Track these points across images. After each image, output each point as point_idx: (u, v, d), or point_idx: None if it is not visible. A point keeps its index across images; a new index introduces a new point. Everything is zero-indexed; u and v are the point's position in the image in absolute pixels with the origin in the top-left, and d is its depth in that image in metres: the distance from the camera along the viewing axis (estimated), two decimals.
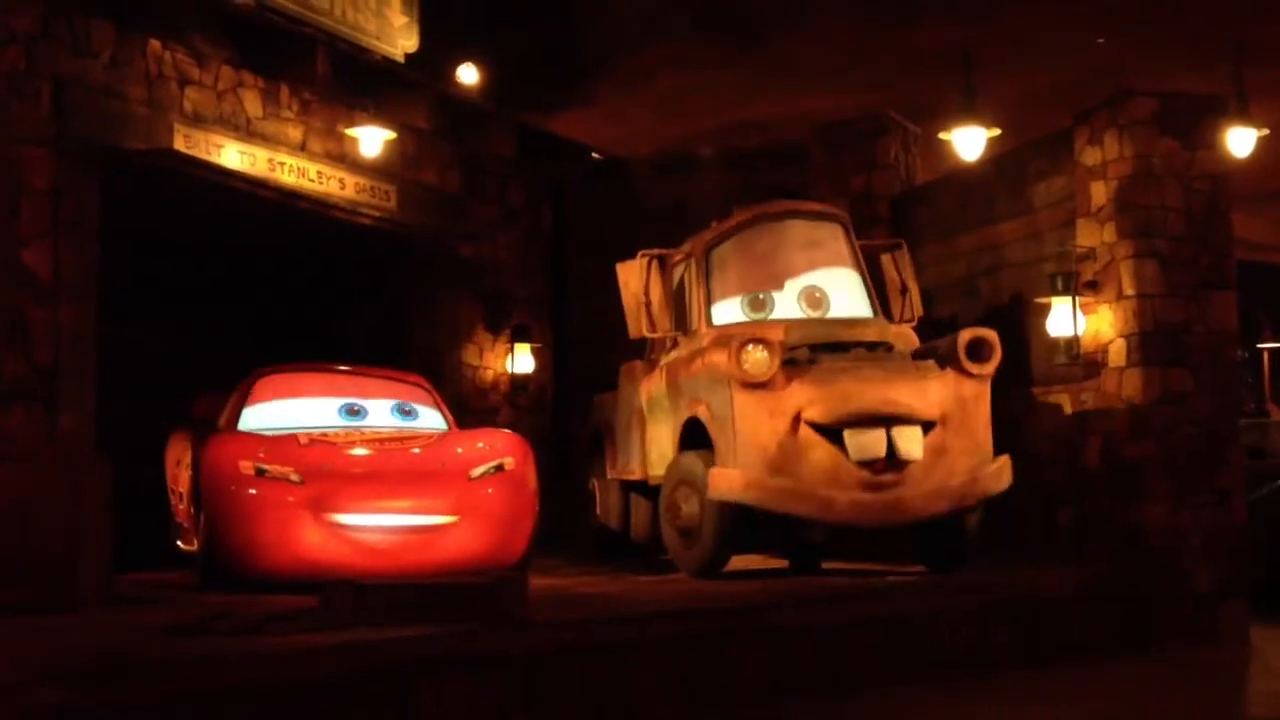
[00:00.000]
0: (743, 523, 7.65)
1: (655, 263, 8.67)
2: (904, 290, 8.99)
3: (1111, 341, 8.82)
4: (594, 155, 12.49)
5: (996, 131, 9.73)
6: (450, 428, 8.43)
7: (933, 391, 7.69)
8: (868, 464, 7.43)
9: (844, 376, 7.61)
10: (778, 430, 7.50)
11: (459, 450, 7.55)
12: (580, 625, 6.04)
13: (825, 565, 8.52)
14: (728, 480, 7.51)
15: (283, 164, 9.18)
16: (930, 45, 10.14)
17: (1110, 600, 8.29)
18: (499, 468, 7.42)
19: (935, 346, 8.04)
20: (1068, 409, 9.19)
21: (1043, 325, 9.04)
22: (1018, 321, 9.30)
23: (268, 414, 7.99)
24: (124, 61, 8.18)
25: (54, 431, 7.54)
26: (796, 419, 7.50)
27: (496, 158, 11.43)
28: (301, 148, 9.37)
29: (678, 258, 8.84)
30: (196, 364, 8.97)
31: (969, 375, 7.79)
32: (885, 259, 9.06)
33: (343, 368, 8.54)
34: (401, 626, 5.64)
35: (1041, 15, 9.97)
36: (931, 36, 10.12)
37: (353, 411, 8.12)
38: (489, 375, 11.28)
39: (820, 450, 7.47)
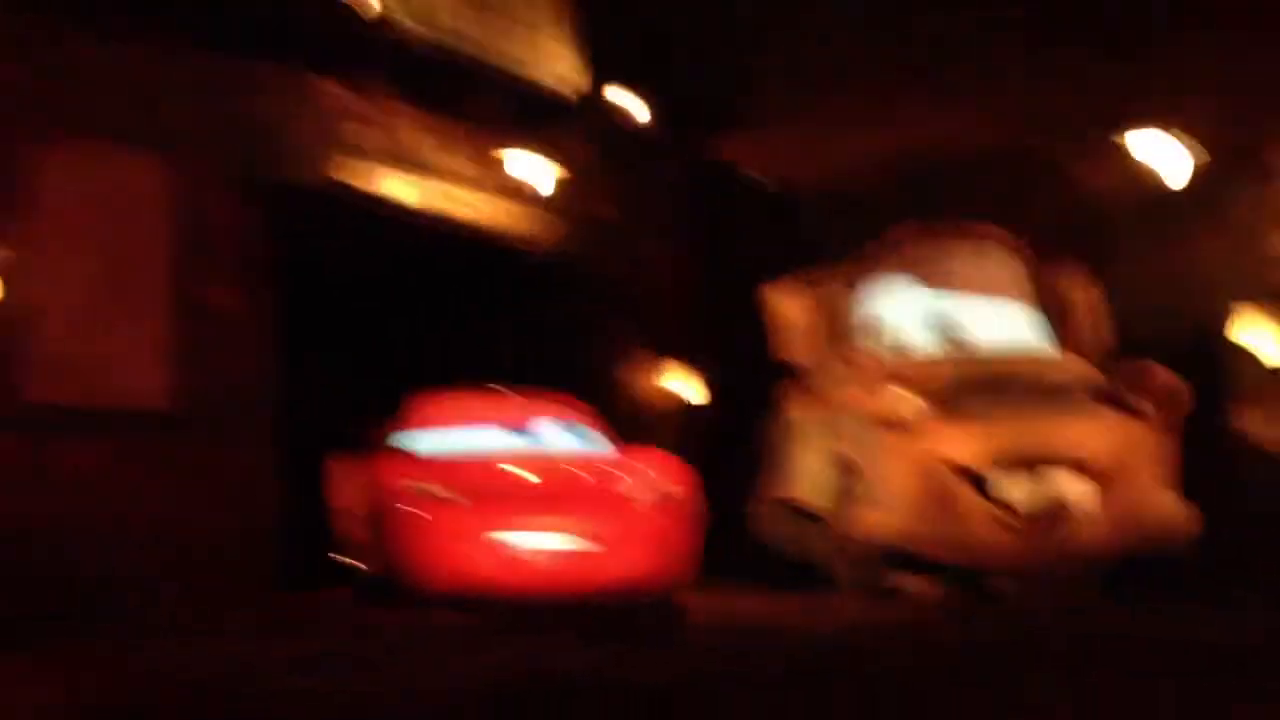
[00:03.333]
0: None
1: (805, 287, 8.67)
2: (1087, 319, 8.72)
3: None
4: (763, 185, 12.47)
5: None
6: (614, 450, 8.51)
7: (1102, 433, 7.50)
8: (1023, 511, 7.27)
9: (1000, 416, 7.44)
10: (928, 474, 7.39)
11: (626, 475, 7.63)
12: (739, 653, 6.05)
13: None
14: (874, 522, 7.47)
15: (451, 197, 9.44)
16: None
17: None
18: (666, 494, 7.48)
19: (1114, 385, 7.83)
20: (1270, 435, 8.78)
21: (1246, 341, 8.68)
22: (1218, 343, 8.92)
23: (429, 438, 8.20)
24: (295, 99, 8.50)
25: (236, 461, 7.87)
26: (950, 463, 7.37)
27: (663, 189, 11.53)
28: (469, 181, 9.61)
29: (830, 281, 8.80)
30: (376, 392, 9.17)
31: (1138, 414, 7.57)
32: (1064, 284, 8.81)
33: (501, 390, 8.72)
34: (553, 648, 5.73)
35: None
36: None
37: (515, 433, 8.28)
38: (651, 400, 11.38)
39: (975, 497, 7.32)
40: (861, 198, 11.78)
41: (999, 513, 7.24)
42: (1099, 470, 7.39)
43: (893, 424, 7.43)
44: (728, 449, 11.48)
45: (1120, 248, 10.32)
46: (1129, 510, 7.40)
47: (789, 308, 8.64)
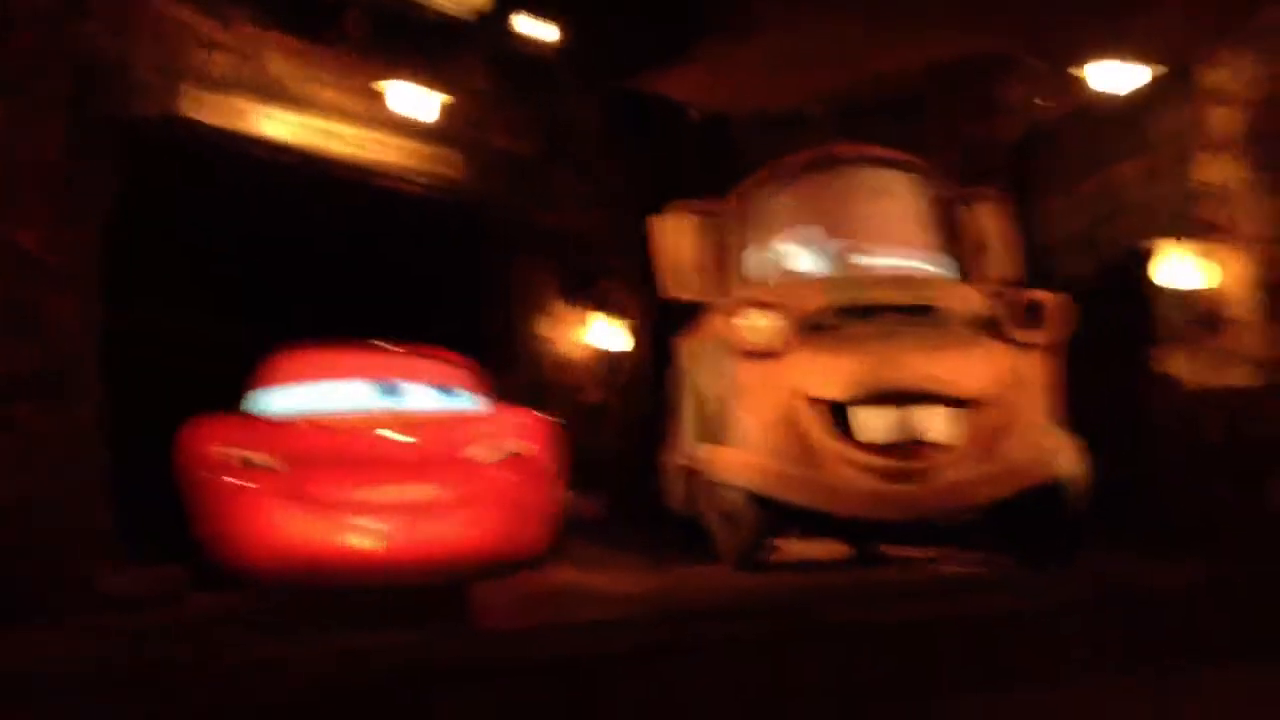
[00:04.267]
0: (783, 509, 6.76)
1: (692, 216, 7.87)
2: (995, 247, 7.95)
3: (1238, 295, 7.64)
4: (692, 115, 11.62)
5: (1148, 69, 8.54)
6: (487, 409, 7.77)
7: (977, 364, 6.64)
8: (886, 449, 6.46)
9: (868, 346, 6.61)
10: (783, 407, 6.59)
11: (470, 435, 6.86)
12: (545, 634, 5.31)
13: (895, 554, 7.61)
14: (728, 462, 6.69)
15: (324, 131, 8.68)
16: None
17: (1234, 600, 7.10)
18: (514, 454, 6.73)
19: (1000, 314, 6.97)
20: (1189, 377, 8.02)
21: (1164, 278, 7.92)
22: (1138, 276, 8.16)
23: (283, 397, 7.48)
24: (129, 23, 7.71)
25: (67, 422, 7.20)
26: (808, 395, 6.57)
27: (582, 121, 10.70)
28: (344, 113, 8.85)
29: (719, 210, 7.97)
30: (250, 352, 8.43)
31: (1023, 345, 6.75)
32: (975, 211, 8.02)
33: (374, 345, 7.96)
34: (348, 635, 5.06)
35: None
36: None
37: (384, 392, 7.54)
38: (576, 354, 10.62)
39: (834, 433, 6.51)
40: (797, 130, 11.05)
41: (854, 451, 6.42)
42: (973, 404, 6.56)
43: (750, 352, 6.66)
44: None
45: (1048, 177, 9.56)
46: (1007, 448, 6.58)
47: (674, 239, 7.83)
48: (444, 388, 7.76)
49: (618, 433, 10.63)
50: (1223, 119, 7.72)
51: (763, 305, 6.74)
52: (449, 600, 5.95)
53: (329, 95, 8.76)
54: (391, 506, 6.39)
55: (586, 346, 10.69)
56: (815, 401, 6.56)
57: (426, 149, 9.29)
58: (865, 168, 7.77)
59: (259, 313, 8.87)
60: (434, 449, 6.74)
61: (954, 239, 7.85)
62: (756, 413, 6.64)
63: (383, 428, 6.96)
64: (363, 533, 6.30)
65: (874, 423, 6.46)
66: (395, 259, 9.61)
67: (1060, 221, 9.52)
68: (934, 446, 6.46)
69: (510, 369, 10.09)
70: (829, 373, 6.56)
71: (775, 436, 6.58)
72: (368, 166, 9.03)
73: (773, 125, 11.23)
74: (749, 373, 6.65)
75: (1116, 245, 8.90)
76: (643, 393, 10.84)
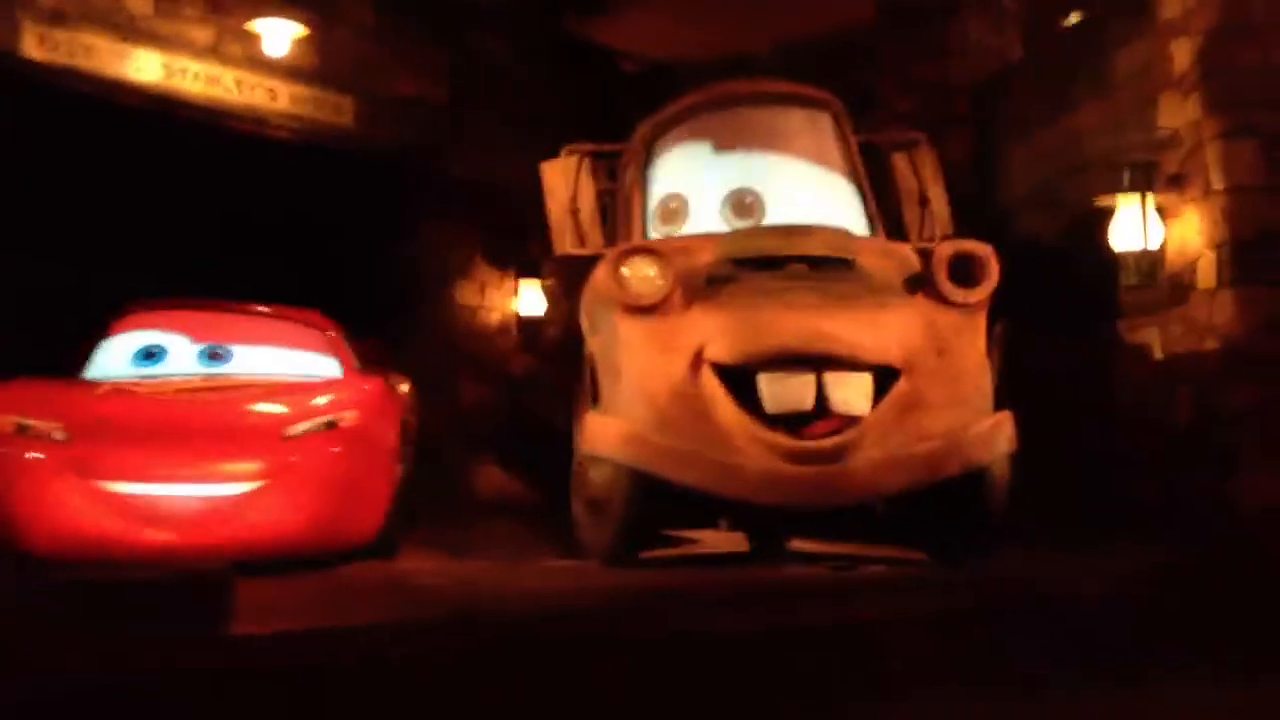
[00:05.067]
0: (660, 494, 5.83)
1: (586, 161, 6.96)
2: (922, 200, 7.01)
3: (1199, 255, 6.64)
4: (629, 66, 10.67)
5: None
6: (336, 376, 6.91)
7: (894, 325, 5.66)
8: (791, 421, 5.51)
9: (766, 302, 5.63)
10: (672, 371, 5.62)
11: (282, 403, 6.02)
12: (300, 640, 4.45)
13: (801, 549, 6.66)
14: (602, 432, 5.76)
15: (182, 71, 7.84)
16: None
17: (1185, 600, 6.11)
18: (330, 424, 5.87)
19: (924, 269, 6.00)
20: (1153, 348, 7.04)
21: (1124, 238, 6.93)
22: (1100, 236, 7.18)
23: (112, 359, 6.69)
24: None
25: None
26: (699, 357, 5.65)
27: (502, 64, 9.76)
28: (210, 51, 8.00)
29: (616, 154, 7.06)
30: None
31: (951, 304, 5.78)
32: (898, 159, 7.07)
33: (220, 305, 7.11)
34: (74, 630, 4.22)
35: None
36: None
37: (213, 356, 6.69)
38: (495, 318, 9.74)
39: (727, 401, 5.57)
40: (749, 74, 10.08)
41: (752, 423, 5.50)
42: (893, 372, 5.64)
43: (634, 307, 5.73)
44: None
45: (1006, 126, 8.60)
46: (930, 425, 5.61)
47: (567, 186, 6.93)
48: (289, 352, 6.90)
49: (548, 406, 9.72)
50: (1181, 51, 6.71)
51: (649, 254, 5.81)
52: (213, 596, 5.08)
53: (194, 33, 7.90)
54: (183, 483, 5.57)
55: (512, 312, 9.80)
56: (708, 365, 5.60)
57: (307, 92, 8.40)
58: (769, 106, 6.85)
59: (117, 271, 8.03)
60: (239, 419, 5.89)
61: (874, 187, 6.92)
62: (639, 377, 5.71)
63: (194, 394, 6.13)
64: (147, 513, 5.51)
65: (776, 391, 5.49)
66: (273, 214, 8.73)
67: (1020, 175, 8.56)
68: (847, 420, 5.49)
69: (421, 338, 9.26)
70: (725, 332, 5.60)
71: (660, 405, 5.63)
72: (238, 112, 8.16)
73: (718, 74, 10.26)
74: (632, 331, 5.73)
75: (1079, 201, 7.90)
76: (576, 363, 9.93)
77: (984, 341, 5.87)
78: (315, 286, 8.04)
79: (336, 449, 5.82)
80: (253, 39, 8.09)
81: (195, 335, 6.81)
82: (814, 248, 5.99)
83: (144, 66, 7.70)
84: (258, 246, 8.63)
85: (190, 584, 4.49)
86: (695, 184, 6.70)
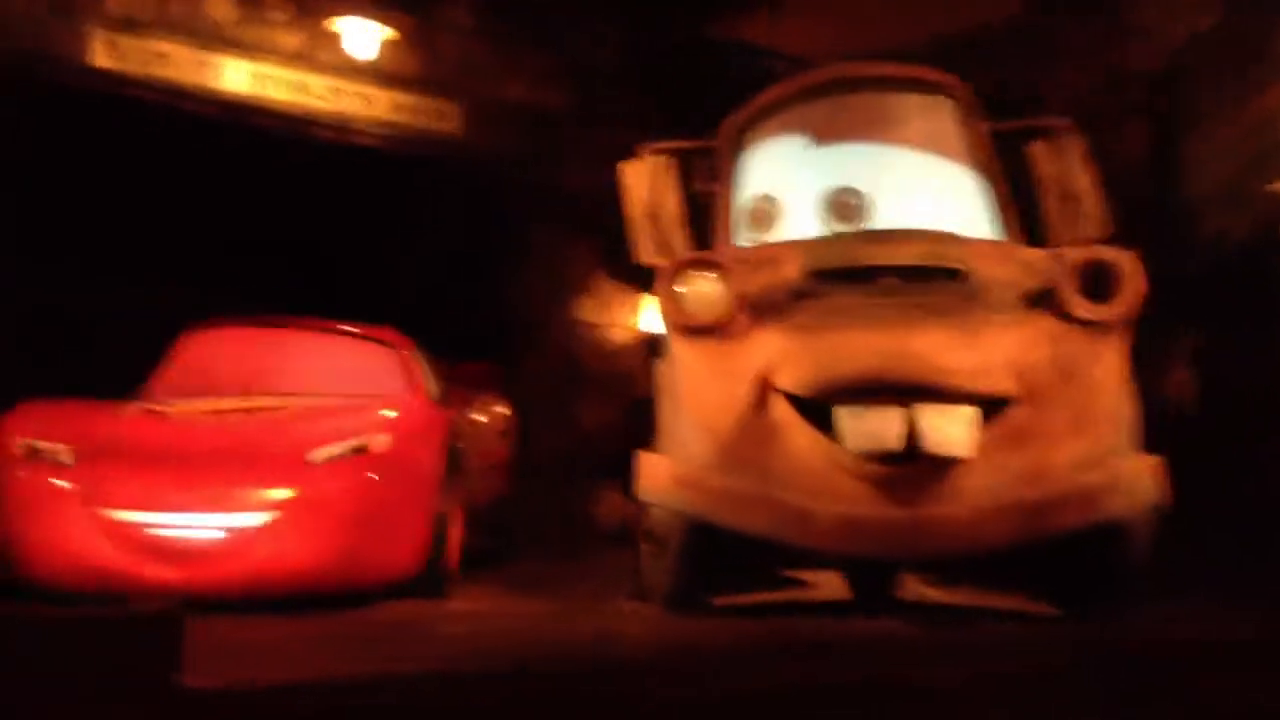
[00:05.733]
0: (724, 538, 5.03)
1: (671, 161, 6.22)
2: (1069, 196, 6.00)
3: None
4: (776, 67, 9.86)
5: None
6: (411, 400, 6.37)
7: (1006, 346, 4.70)
8: (879, 463, 4.64)
9: (844, 321, 4.76)
10: (735, 402, 4.79)
11: (308, 425, 5.47)
12: (245, 696, 3.85)
13: (914, 596, 5.77)
14: (652, 473, 4.99)
15: (270, 79, 7.45)
16: None
17: None
18: (359, 449, 5.29)
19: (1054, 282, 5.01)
20: None
21: None
22: None
23: (165, 381, 6.29)
24: None
25: None
26: (765, 386, 4.83)
27: (619, 68, 9.12)
28: (299, 57, 7.59)
29: (705, 152, 6.26)
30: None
31: (1081, 322, 4.83)
32: (1039, 150, 6.06)
33: (290, 323, 6.65)
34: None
35: None
36: None
37: (261, 378, 6.21)
38: (620, 335, 9.08)
39: (800, 434, 4.74)
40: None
41: (832, 465, 4.67)
42: (1007, 404, 4.71)
43: (692, 328, 4.98)
44: None
45: (1190, 114, 7.53)
46: (1053, 467, 4.68)
47: (649, 189, 6.20)
48: (354, 372, 6.39)
49: None
50: None
51: (709, 266, 5.06)
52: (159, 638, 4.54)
53: (282, 39, 7.52)
54: (191, 512, 5.07)
55: (638, 329, 9.14)
56: (781, 396, 4.79)
57: (409, 100, 7.92)
58: (878, 92, 5.97)
59: (198, 288, 7.69)
60: (258, 443, 5.36)
61: (1013, 184, 5.96)
62: (696, 408, 4.94)
63: (221, 416, 5.65)
64: (151, 544, 5.03)
65: (854, 427, 4.63)
66: (372, 230, 8.27)
67: (1205, 168, 7.51)
68: (948, 463, 4.62)
69: (538, 357, 8.69)
70: (794, 356, 4.78)
71: (721, 440, 4.85)
72: (332, 121, 7.73)
73: None
74: (690, 356, 4.98)
75: (1271, 196, 6.83)
76: None
77: (1124, 367, 4.89)
78: (418, 306, 7.56)
79: (365, 476, 5.23)
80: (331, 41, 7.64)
81: (259, 357, 6.36)
82: (911, 255, 5.09)
83: (228, 74, 7.33)
84: (356, 263, 8.19)
85: (138, 623, 3.95)
86: (790, 183, 5.88)
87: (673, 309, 4.95)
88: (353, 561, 5.14)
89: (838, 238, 5.35)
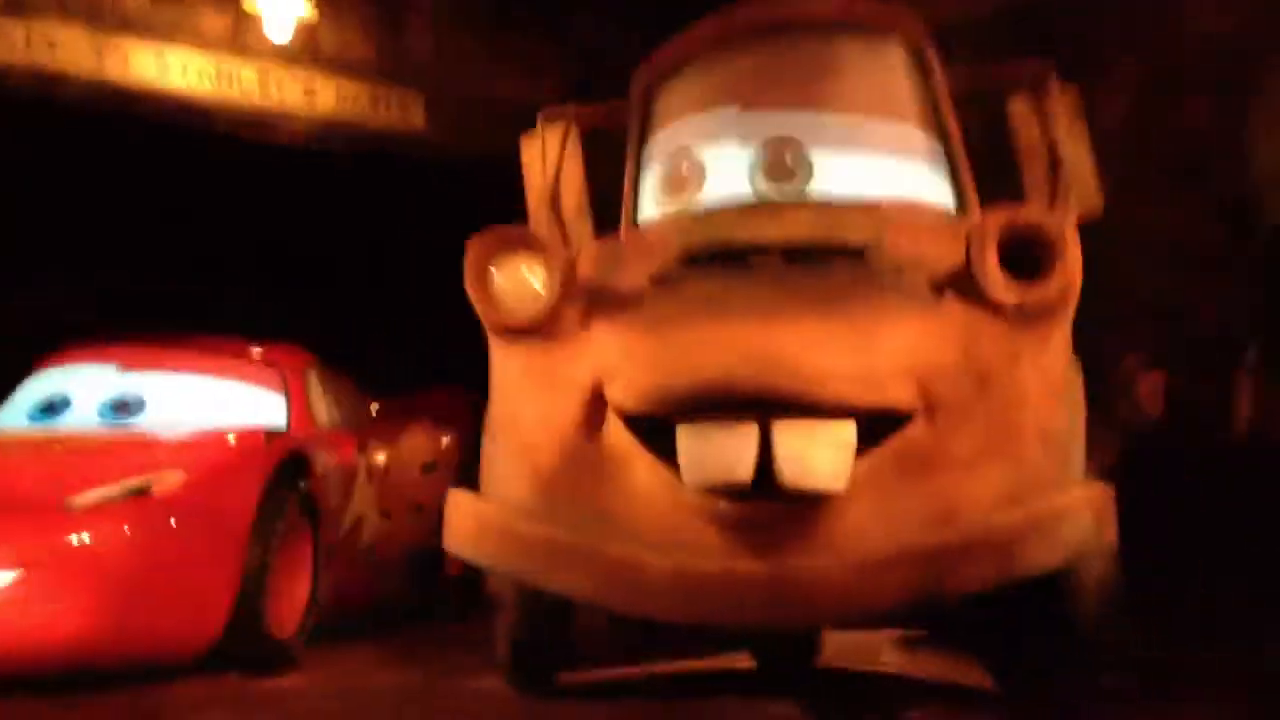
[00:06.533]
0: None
1: (570, 129, 5.10)
2: (1052, 161, 4.69)
3: None
4: None
5: None
6: (286, 426, 5.40)
7: (902, 342, 3.47)
8: (728, 496, 3.42)
9: (696, 314, 3.59)
10: (561, 422, 3.66)
11: (78, 465, 4.49)
12: None
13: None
14: (460, 516, 3.83)
15: (186, 67, 6.58)
16: None
17: None
18: (140, 490, 4.29)
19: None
20: None
21: None
22: None
23: (13, 410, 5.45)
24: None
25: None
26: (597, 400, 3.67)
27: (610, 52, 7.95)
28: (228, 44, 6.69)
29: (613, 116, 5.08)
30: None
31: (1002, 308, 3.56)
32: (1018, 105, 4.79)
33: (162, 341, 5.74)
34: None
35: None
36: None
37: (119, 408, 5.29)
38: None
39: (637, 467, 3.56)
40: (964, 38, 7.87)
41: (673, 503, 3.48)
42: (903, 422, 3.49)
43: (509, 331, 3.84)
44: None
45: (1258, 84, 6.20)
46: (970, 503, 3.44)
47: (550, 163, 5.12)
48: (226, 400, 5.44)
49: None
50: None
51: (530, 249, 3.90)
52: None
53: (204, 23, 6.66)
54: None
55: None
56: (612, 413, 3.64)
57: (363, 90, 6.97)
58: (812, 33, 4.73)
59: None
60: (11, 487, 4.39)
61: (974, 147, 4.69)
62: (515, 433, 3.81)
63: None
64: None
65: (703, 452, 3.41)
66: (331, 236, 7.34)
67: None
68: (816, 500, 3.38)
69: None
70: (636, 362, 3.60)
71: (545, 475, 3.72)
72: (264, 118, 6.83)
73: None
74: (508, 364, 3.86)
75: None
76: None
77: (1060, 368, 3.65)
78: (385, 322, 6.60)
79: (143, 524, 4.23)
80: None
81: (110, 381, 5.46)
82: (798, 230, 3.89)
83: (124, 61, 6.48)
84: (308, 275, 7.27)
85: None
86: (714, 140, 4.68)
87: (484, 304, 3.81)
88: (122, 629, 4.14)
89: (714, 212, 4.14)
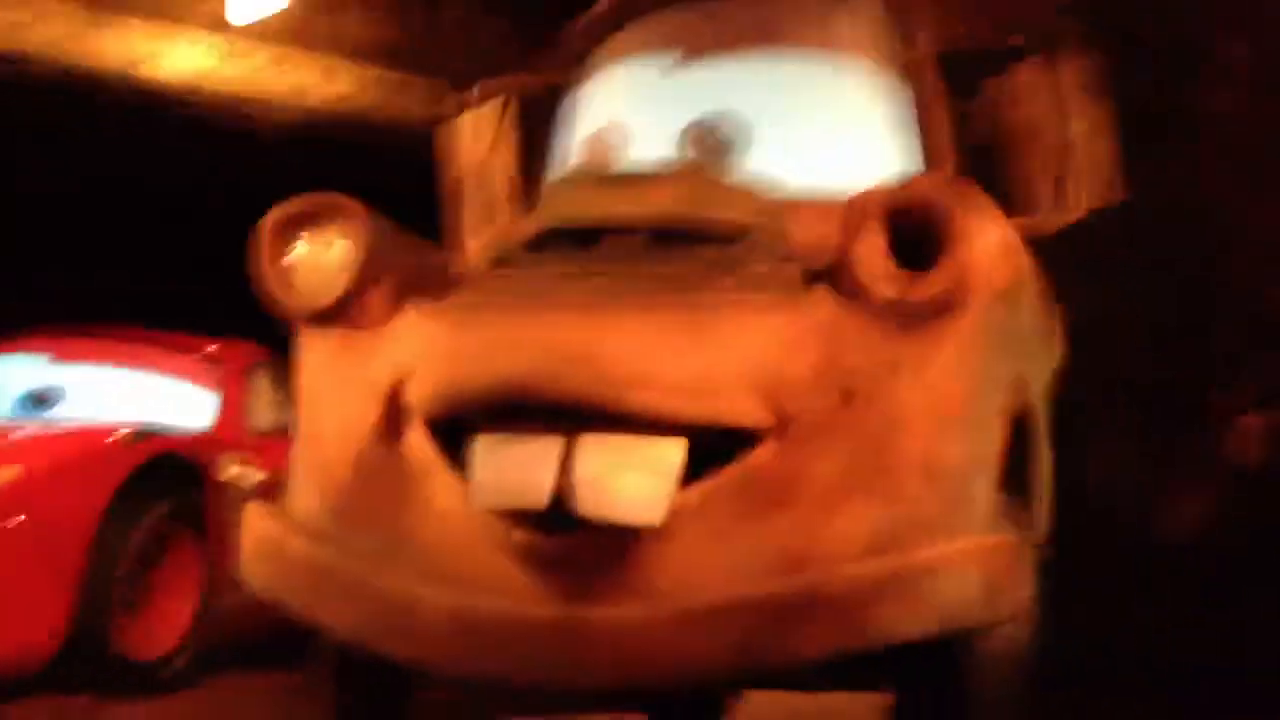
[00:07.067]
0: None
1: (510, 103, 4.52)
2: (1062, 144, 3.91)
3: None
4: None
5: None
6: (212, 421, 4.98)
7: (756, 348, 2.79)
8: (525, 523, 2.76)
9: (518, 303, 2.97)
10: (358, 425, 3.07)
11: None
12: None
13: None
14: (249, 532, 3.23)
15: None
16: None
17: None
18: None
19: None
20: None
21: None
22: None
23: None
24: None
25: None
26: (397, 401, 3.05)
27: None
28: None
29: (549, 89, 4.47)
30: None
31: (878, 304, 2.80)
32: (1023, 76, 4.01)
33: (90, 333, 5.40)
34: None
35: None
36: None
37: (39, 401, 4.96)
38: None
39: (435, 483, 2.94)
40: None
41: (462, 530, 2.89)
42: (742, 441, 2.74)
43: (309, 319, 3.24)
44: None
45: None
46: (804, 549, 2.71)
47: (477, 146, 4.57)
48: (151, 394, 5.05)
49: None
50: None
51: (329, 217, 3.31)
52: None
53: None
54: None
55: None
56: (417, 419, 3.04)
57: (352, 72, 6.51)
58: None
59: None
60: None
61: (955, 120, 3.95)
62: (311, 437, 3.24)
63: None
64: None
65: (495, 469, 2.80)
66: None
67: None
68: (630, 533, 2.72)
69: None
70: (432, 358, 3.00)
71: (339, 487, 3.12)
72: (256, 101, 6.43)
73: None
74: (309, 355, 3.30)
75: None
76: None
77: (956, 383, 2.87)
78: None
79: None
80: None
81: (38, 372, 5.13)
82: (655, 208, 3.18)
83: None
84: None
85: None
86: (646, 107, 4.06)
87: (274, 284, 3.23)
88: None
89: (575, 184, 3.48)
